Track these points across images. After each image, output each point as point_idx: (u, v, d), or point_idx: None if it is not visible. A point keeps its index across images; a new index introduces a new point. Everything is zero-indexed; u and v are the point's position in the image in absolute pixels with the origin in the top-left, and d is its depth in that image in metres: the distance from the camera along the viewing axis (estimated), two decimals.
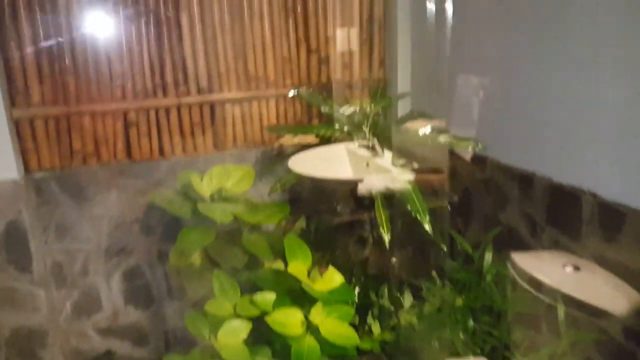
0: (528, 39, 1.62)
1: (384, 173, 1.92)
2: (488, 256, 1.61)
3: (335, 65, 2.30)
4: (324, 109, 2.15)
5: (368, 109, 2.20)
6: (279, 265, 2.01)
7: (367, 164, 2.10)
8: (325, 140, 2.21)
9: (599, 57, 1.39)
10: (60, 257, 2.07)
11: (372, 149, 2.09)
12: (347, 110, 2.26)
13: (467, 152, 1.87)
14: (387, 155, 2.04)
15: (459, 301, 1.91)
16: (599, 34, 1.38)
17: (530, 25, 1.61)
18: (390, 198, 1.83)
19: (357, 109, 2.23)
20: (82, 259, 2.10)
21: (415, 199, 1.65)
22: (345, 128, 2.19)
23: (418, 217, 1.65)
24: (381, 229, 1.64)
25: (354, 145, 2.16)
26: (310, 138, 2.29)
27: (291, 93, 2.21)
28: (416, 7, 2.20)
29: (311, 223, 2.18)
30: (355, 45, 2.30)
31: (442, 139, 1.86)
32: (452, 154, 1.97)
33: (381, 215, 1.66)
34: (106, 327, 2.19)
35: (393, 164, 1.97)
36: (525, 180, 1.67)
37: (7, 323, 2.00)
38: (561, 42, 1.50)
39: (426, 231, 1.86)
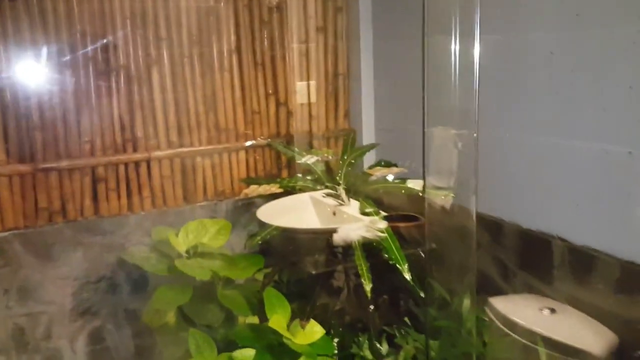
0: (497, 96, 1.73)
1: (352, 221, 1.96)
2: (467, 302, 1.65)
3: (297, 117, 2.35)
4: (297, 158, 2.19)
5: (332, 158, 2.26)
6: (253, 320, 1.99)
7: (334, 213, 2.14)
8: (289, 190, 2.24)
9: (567, 113, 1.50)
10: (22, 321, 1.96)
11: (338, 197, 2.13)
12: (310, 159, 2.31)
13: (443, 200, 1.95)
14: (354, 203, 2.09)
15: (435, 348, 1.95)
16: (561, 93, 1.50)
17: (499, 84, 1.72)
18: (364, 246, 1.86)
19: (321, 158, 2.28)
20: (45, 322, 1.99)
21: (393, 248, 1.69)
22: (311, 177, 2.24)
23: (397, 266, 1.68)
24: (362, 279, 1.67)
25: (318, 194, 2.20)
26: (275, 188, 2.32)
27: (249, 143, 2.23)
28: (381, 62, 2.31)
29: (283, 274, 2.17)
30: (317, 98, 2.37)
31: (414, 186, 1.93)
32: (424, 202, 2.03)
33: (362, 265, 1.68)
34: None
35: (362, 212, 2.01)
36: (495, 226, 1.75)
37: None
38: (529, 98, 1.61)
39: (402, 278, 1.90)
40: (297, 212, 2.18)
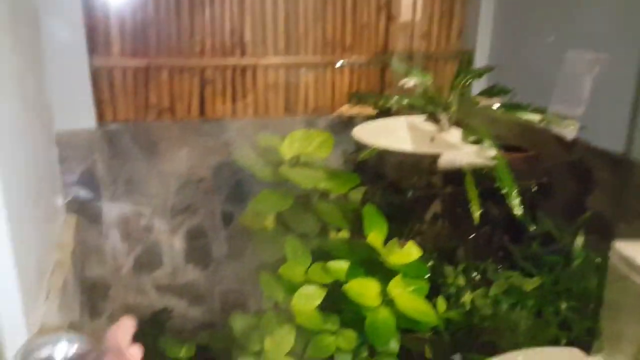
0: None
1: (451, 149, 1.88)
2: (579, 240, 1.57)
3: (406, 34, 2.23)
4: (400, 78, 2.10)
5: (433, 84, 2.15)
6: (343, 235, 1.99)
7: (432, 139, 2.06)
8: (384, 112, 2.16)
9: None
10: (127, 211, 2.06)
11: (439, 123, 2.04)
12: (412, 82, 2.20)
13: (564, 131, 1.82)
14: (455, 131, 1.99)
15: (529, 285, 1.89)
16: None
17: None
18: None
19: (424, 81, 2.17)
20: (147, 214, 2.09)
21: (506, 176, 1.61)
22: (412, 100, 2.14)
23: (508, 196, 1.61)
24: (472, 205, 1.61)
25: (417, 119, 2.12)
26: (369, 109, 2.25)
27: (340, 62, 2.14)
28: None
29: (377, 196, 2.15)
30: (428, 14, 2.23)
31: (531, 116, 1.81)
32: (541, 133, 1.91)
33: (472, 191, 1.62)
34: (165, 285, 2.19)
35: (466, 140, 1.92)
36: (619, 163, 1.63)
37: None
38: None
39: (504, 211, 1.83)
40: (394, 135, 2.12)
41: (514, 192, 1.61)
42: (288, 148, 1.80)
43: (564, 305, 1.50)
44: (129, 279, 2.12)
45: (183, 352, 1.89)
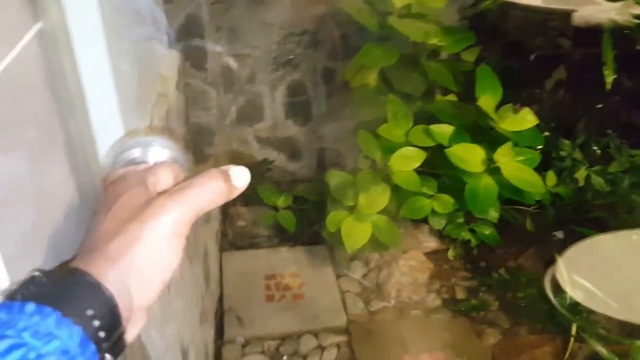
0: None
1: (590, 4, 1.61)
2: None
3: None
4: None
5: None
6: (451, 99, 1.86)
7: None
8: None
9: None
10: (231, 60, 2.05)
11: None
12: None
13: None
14: None
15: None
16: None
17: None
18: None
19: None
20: (250, 65, 2.07)
21: None
22: None
23: None
24: (605, 69, 1.41)
25: None
26: None
27: None
28: None
29: (494, 58, 1.95)
30: None
31: None
32: None
33: (608, 53, 1.40)
34: (265, 137, 2.22)
35: None
36: None
37: None
38: None
39: (635, 81, 1.59)
40: None
41: None
42: None
43: None
44: (232, 128, 2.17)
45: (280, 200, 1.96)
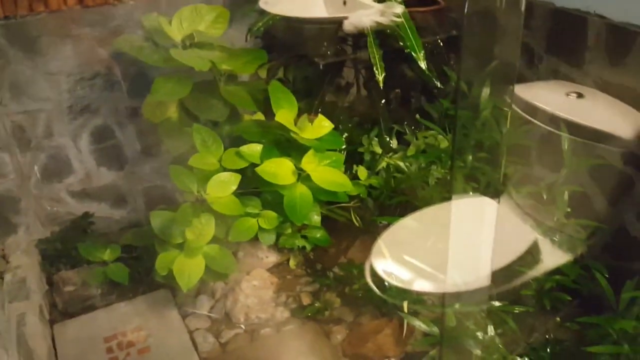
0: None
1: (366, 9, 1.77)
2: (485, 91, 1.55)
3: None
4: None
5: None
6: (258, 117, 1.91)
7: (344, 2, 1.93)
8: None
9: None
10: (20, 118, 1.89)
11: None
12: None
13: None
14: None
15: (445, 142, 1.90)
16: None
17: None
18: (378, 34, 1.70)
19: None
20: (44, 119, 1.93)
21: (409, 34, 1.53)
22: None
23: (413, 54, 1.54)
24: (375, 68, 1.54)
25: None
26: None
27: None
28: None
29: (289, 71, 2.04)
30: None
31: None
32: None
33: (374, 53, 1.54)
34: (80, 190, 2.09)
35: None
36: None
37: None
38: None
39: (417, 70, 1.77)
40: (304, 1, 1.98)
41: (418, 49, 1.54)
42: (177, 28, 1.65)
43: (469, 158, 1.51)
44: (39, 189, 2.01)
45: (107, 254, 1.86)
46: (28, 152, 1.95)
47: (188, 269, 1.63)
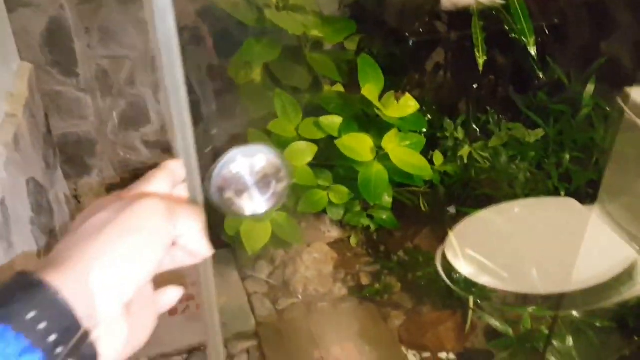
0: None
1: None
2: (589, 88, 1.45)
3: None
4: None
5: None
6: (338, 89, 1.87)
7: None
8: None
9: None
10: (105, 63, 1.91)
11: None
12: None
13: None
14: None
15: (531, 137, 1.81)
16: None
17: None
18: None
19: None
20: (128, 67, 1.95)
21: (521, 16, 1.44)
22: None
23: (522, 39, 1.45)
24: (476, 50, 1.46)
25: None
26: None
27: None
28: None
29: (374, 45, 1.98)
30: None
31: None
32: None
33: (477, 34, 1.46)
34: (154, 141, 2.12)
35: None
36: None
37: (54, 129, 1.92)
38: None
39: (509, 57, 1.68)
40: None
41: (529, 33, 1.44)
42: None
43: (566, 157, 1.42)
44: (115, 135, 2.05)
45: None
46: (109, 97, 1.98)
47: (255, 233, 1.63)
